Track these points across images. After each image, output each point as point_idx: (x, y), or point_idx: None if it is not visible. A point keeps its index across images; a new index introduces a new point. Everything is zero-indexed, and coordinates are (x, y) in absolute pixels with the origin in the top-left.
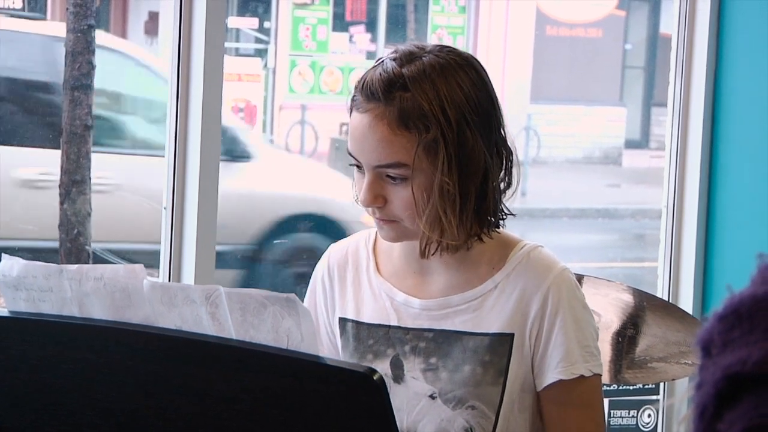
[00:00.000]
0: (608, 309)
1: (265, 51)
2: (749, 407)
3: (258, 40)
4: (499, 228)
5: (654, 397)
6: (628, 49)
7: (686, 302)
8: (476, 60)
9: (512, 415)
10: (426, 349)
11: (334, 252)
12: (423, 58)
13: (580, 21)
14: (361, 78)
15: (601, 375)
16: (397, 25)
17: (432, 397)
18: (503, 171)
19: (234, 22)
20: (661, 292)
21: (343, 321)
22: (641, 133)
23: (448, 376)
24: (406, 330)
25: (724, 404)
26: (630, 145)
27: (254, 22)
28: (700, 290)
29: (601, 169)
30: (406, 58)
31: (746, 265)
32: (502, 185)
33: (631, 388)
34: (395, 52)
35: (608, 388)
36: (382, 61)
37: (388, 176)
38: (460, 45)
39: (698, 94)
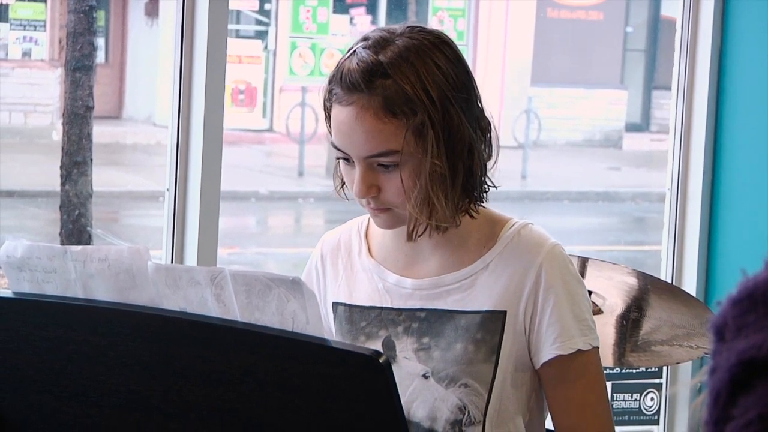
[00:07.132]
0: (612, 292)
1: (266, 33)
2: (764, 393)
3: (258, 22)
4: (484, 201)
5: (657, 381)
6: (629, 31)
7: (690, 285)
8: (447, 36)
9: (505, 393)
10: (419, 329)
11: (327, 240)
12: (396, 42)
13: (581, 3)
14: (336, 71)
15: (598, 348)
16: (397, 7)
17: (425, 376)
18: (484, 143)
19: (234, 3)
20: (665, 275)
21: (335, 305)
22: (642, 116)
23: (440, 355)
24: (399, 311)
25: (738, 389)
26: (630, 128)
27: (254, 3)
28: (703, 273)
29: (602, 152)
30: (380, 45)
31: (750, 247)
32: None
33: (634, 371)
34: (366, 40)
35: (611, 371)
36: (355, 51)
37: (379, 165)
38: (461, 28)
39: (703, 77)
